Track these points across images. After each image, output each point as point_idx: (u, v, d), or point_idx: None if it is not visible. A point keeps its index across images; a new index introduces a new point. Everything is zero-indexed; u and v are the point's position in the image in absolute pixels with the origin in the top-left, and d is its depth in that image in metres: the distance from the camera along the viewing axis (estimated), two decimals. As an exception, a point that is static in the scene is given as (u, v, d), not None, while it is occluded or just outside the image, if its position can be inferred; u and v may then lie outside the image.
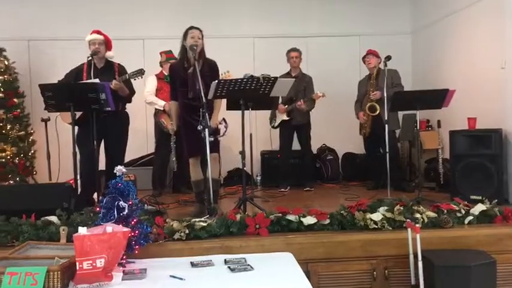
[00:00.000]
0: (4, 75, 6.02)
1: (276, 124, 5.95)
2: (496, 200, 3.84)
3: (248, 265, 2.89)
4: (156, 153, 5.80)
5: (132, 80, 4.56)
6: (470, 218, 3.63)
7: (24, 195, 3.78)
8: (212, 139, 3.82)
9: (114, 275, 2.67)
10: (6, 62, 6.11)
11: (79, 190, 4.38)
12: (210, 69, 4.17)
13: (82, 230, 2.63)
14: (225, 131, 5.50)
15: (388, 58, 4.91)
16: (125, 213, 2.95)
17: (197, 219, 3.44)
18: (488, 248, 3.38)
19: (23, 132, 6.10)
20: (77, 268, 2.55)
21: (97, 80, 4.22)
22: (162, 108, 5.51)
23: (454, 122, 5.26)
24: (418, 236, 3.08)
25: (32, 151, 6.24)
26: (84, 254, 2.55)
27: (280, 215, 3.54)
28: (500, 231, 3.52)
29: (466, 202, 3.84)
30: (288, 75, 5.79)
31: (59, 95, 4.02)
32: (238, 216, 3.52)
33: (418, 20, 7.00)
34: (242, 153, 4.08)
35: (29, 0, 6.64)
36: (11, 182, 5.81)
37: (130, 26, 6.66)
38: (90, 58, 4.48)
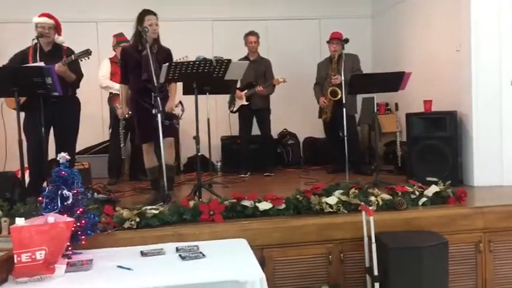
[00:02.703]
0: None
1: (235, 109, 5.86)
2: (450, 181, 3.87)
3: (200, 253, 2.83)
4: (111, 140, 5.62)
5: (83, 64, 4.36)
6: (424, 199, 3.66)
7: (-36, 186, 3.59)
8: (168, 123, 3.73)
9: (57, 267, 2.55)
10: (-51, 46, 5.77)
11: (27, 179, 4.19)
12: (165, 55, 4.06)
13: (19, 221, 2.49)
14: (182, 114, 5.37)
15: (346, 41, 4.91)
16: (69, 202, 2.82)
17: (148, 207, 3.33)
18: (441, 228, 3.41)
19: (-32, 120, 5.79)
20: (15, 261, 2.42)
21: (42, 64, 4.00)
22: (117, 92, 5.32)
23: (411, 104, 5.31)
24: (371, 218, 3.07)
25: (-21, 139, 5.94)
26: (23, 246, 2.43)
27: (235, 201, 3.48)
28: (452, 212, 3.56)
29: (420, 184, 3.86)
30: (246, 59, 5.68)
31: (1, 80, 3.79)
32: (191, 203, 3.43)
33: (378, 3, 7.01)
34: (196, 138, 3.97)
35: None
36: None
37: (83, 9, 6.41)
38: (36, 41, 4.25)
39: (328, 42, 5.63)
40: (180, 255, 2.80)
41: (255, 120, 5.91)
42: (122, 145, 4.87)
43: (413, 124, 4.74)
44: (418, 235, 3.28)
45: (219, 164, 6.40)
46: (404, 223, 3.44)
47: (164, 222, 3.29)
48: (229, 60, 3.82)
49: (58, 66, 4.07)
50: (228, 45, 6.28)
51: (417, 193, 3.68)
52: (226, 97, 5.98)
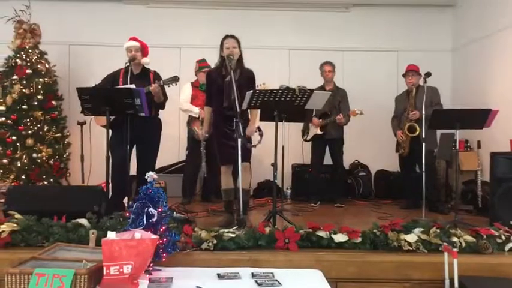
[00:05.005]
0: (44, 77, 6.14)
1: (309, 137, 5.88)
2: (539, 228, 3.64)
3: (276, 280, 2.81)
4: (188, 161, 5.80)
5: (166, 87, 4.59)
6: (511, 245, 3.45)
7: (56, 197, 3.80)
8: (253, 145, 3.78)
9: (140, 282, 2.64)
10: (47, 65, 6.25)
11: (110, 194, 4.40)
12: (247, 78, 4.17)
13: (111, 235, 2.61)
14: (260, 139, 5.44)
15: (428, 75, 4.77)
16: (154, 220, 2.93)
17: (226, 230, 3.37)
18: (530, 277, 3.19)
19: (59, 135, 6.19)
20: (104, 273, 2.53)
21: (133, 86, 4.24)
22: (196, 116, 5.52)
23: (495, 143, 5.07)
24: (455, 261, 2.93)
25: (67, 153, 6.34)
26: (112, 259, 2.54)
27: (310, 230, 3.45)
28: (543, 261, 3.32)
29: (506, 228, 3.65)
30: (322, 88, 5.70)
31: (96, 99, 4.06)
32: (267, 229, 3.44)
33: (459, 37, 6.84)
34: (274, 165, 4.00)
35: (72, 7, 6.84)
36: (45, 182, 5.90)
37: (168, 34, 6.77)
38: (128, 64, 4.53)
39: (404, 75, 5.55)
40: (256, 281, 2.80)
41: (327, 149, 5.88)
42: (203, 163, 4.99)
43: (499, 164, 4.49)
44: (505, 282, 3.09)
45: (288, 191, 6.38)
46: (489, 269, 3.25)
47: (240, 247, 3.31)
48: (311, 90, 3.86)
49: (155, 87, 4.31)
50: (304, 74, 6.36)
51: (503, 237, 3.47)
52: (299, 125, 6.02)
